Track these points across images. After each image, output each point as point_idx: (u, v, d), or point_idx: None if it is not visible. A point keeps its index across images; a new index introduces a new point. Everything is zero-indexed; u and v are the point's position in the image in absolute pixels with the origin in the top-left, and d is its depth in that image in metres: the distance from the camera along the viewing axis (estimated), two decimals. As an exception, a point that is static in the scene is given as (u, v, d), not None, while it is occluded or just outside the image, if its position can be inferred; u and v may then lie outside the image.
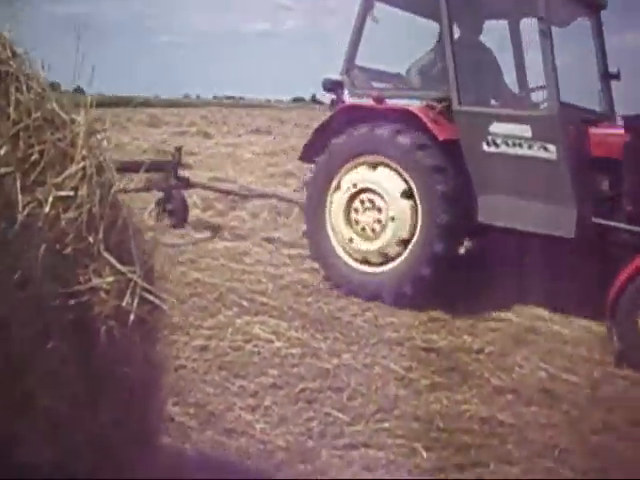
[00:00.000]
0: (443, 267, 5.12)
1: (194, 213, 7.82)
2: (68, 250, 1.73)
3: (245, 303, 4.98)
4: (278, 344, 4.26)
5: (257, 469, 2.85)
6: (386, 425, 3.34)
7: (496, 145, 5.18)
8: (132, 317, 1.78)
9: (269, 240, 7.03)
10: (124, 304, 1.77)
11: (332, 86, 6.02)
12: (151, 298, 1.81)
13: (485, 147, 5.22)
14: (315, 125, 6.00)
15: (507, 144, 5.13)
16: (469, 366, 4.19)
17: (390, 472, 2.93)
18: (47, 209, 1.70)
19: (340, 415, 3.40)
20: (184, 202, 7.62)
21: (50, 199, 1.71)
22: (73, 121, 1.78)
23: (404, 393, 3.73)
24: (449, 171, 5.18)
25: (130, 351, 1.85)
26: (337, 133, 5.58)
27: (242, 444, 3.04)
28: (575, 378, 4.09)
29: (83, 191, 1.74)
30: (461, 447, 3.17)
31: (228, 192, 8.29)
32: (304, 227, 5.94)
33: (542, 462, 3.07)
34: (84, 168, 1.74)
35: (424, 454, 3.08)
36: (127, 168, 8.52)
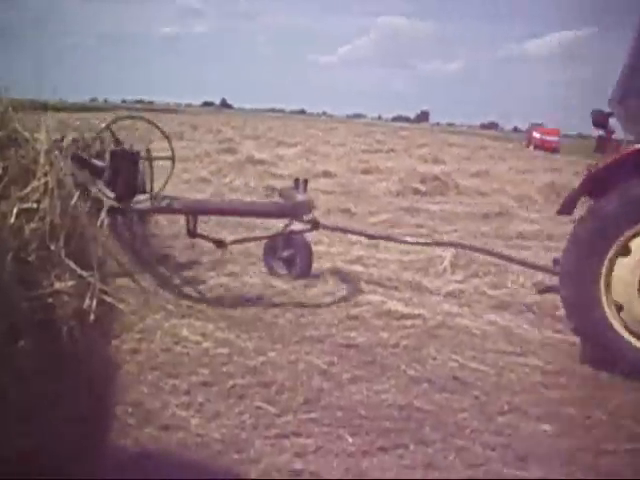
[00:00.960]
0: None
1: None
2: (32, 257, 1.90)
3: (171, 307, 5.14)
4: (206, 344, 4.45)
5: (196, 459, 3.04)
6: (313, 415, 3.58)
7: None
8: (92, 317, 1.96)
9: (191, 246, 7.16)
10: (85, 306, 1.95)
11: (605, 120, 4.84)
12: (109, 299, 2.00)
13: None
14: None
15: None
16: (386, 359, 4.48)
17: (319, 457, 3.18)
18: (12, 220, 1.87)
19: (270, 408, 3.62)
20: (309, 248, 6.48)
21: (15, 211, 1.87)
22: (35, 139, 1.94)
23: (328, 386, 3.98)
24: None
25: (89, 349, 2.03)
26: (630, 182, 4.39)
27: (180, 438, 3.22)
28: (483, 367, 4.44)
29: (45, 204, 1.91)
30: (383, 432, 3.44)
31: (372, 237, 7.27)
32: (563, 294, 4.72)
33: (456, 441, 3.38)
34: (46, 183, 1.92)
35: (349, 439, 3.34)
36: (248, 212, 6.96)
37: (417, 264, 6.99)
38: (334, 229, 7.20)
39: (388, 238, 7.27)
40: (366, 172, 16.42)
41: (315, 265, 6.64)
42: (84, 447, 2.15)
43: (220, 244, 6.22)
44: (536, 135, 45.66)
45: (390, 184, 13.40)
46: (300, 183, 6.56)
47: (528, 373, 4.43)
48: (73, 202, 1.98)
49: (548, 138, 44.93)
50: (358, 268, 6.84)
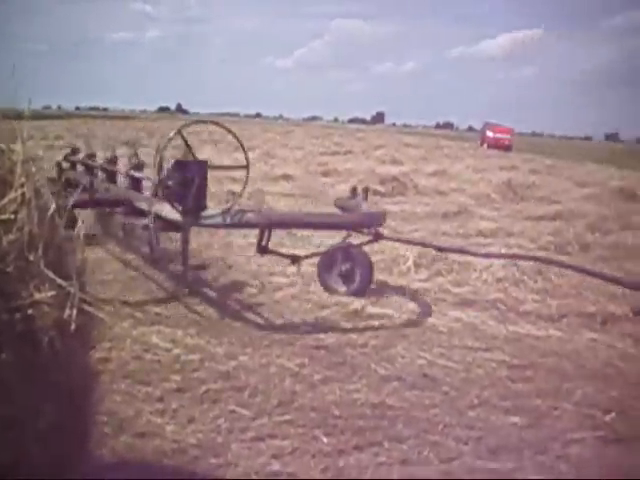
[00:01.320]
0: None
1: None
2: (11, 268, 1.90)
3: (139, 314, 5.12)
4: (177, 351, 4.44)
5: (174, 466, 3.05)
6: (287, 417, 3.61)
7: None
8: (72, 327, 1.96)
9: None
10: (65, 316, 1.95)
11: None
12: (89, 309, 2.01)
13: None
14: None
15: None
16: (356, 359, 4.52)
17: (295, 457, 3.21)
18: (-11, 232, 1.86)
19: (244, 411, 3.64)
20: (369, 262, 6.10)
21: (-8, 223, 1.87)
22: (11, 150, 1.94)
23: (300, 387, 4.01)
24: None
25: (70, 359, 2.03)
26: None
27: (156, 445, 3.23)
28: (451, 363, 4.52)
29: (23, 214, 1.91)
30: (357, 431, 3.49)
31: (443, 249, 6.34)
32: None
33: (429, 437, 3.44)
34: (23, 194, 1.91)
35: (324, 439, 3.38)
36: (328, 225, 6.02)
37: (381, 264, 7.04)
38: (399, 240, 6.56)
39: (461, 251, 6.39)
40: (325, 174, 16.49)
41: (279, 268, 6.67)
42: (67, 457, 2.15)
43: (295, 259, 5.93)
44: (489, 134, 46.46)
45: (349, 186, 13.45)
46: (360, 192, 6.17)
47: (495, 368, 4.52)
48: (50, 212, 1.97)
49: (501, 136, 45.78)
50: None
